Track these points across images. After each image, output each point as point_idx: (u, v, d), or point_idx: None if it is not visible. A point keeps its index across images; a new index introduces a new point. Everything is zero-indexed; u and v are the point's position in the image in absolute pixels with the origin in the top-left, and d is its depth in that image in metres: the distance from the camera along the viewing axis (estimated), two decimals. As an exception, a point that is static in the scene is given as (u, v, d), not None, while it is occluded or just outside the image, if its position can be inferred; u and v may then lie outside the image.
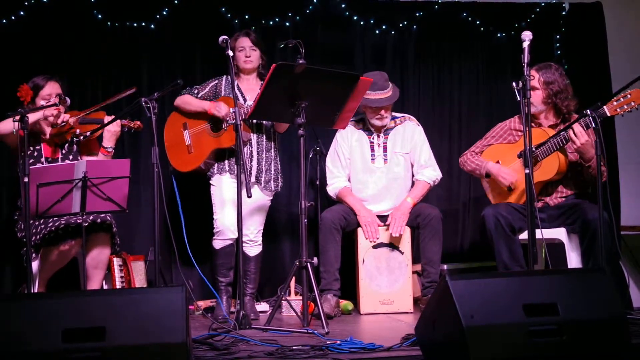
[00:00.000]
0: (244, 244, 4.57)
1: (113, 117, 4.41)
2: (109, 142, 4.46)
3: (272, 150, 4.75)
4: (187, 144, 4.72)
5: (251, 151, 4.67)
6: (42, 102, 4.40)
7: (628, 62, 5.71)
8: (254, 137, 4.68)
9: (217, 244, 4.68)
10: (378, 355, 3.19)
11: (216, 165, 4.69)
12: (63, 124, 4.37)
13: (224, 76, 4.75)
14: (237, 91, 4.61)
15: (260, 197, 4.69)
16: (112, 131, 4.43)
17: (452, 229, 5.66)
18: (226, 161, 4.67)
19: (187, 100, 4.70)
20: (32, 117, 4.16)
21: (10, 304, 2.79)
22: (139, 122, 4.53)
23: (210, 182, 4.73)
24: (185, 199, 4.81)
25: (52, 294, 3.62)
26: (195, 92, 4.72)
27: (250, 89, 4.70)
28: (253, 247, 4.74)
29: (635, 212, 5.74)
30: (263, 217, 4.79)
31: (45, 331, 2.69)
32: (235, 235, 4.57)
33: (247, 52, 4.67)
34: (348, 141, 4.93)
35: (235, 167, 4.52)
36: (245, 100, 4.65)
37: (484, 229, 4.49)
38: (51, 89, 4.45)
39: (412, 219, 4.81)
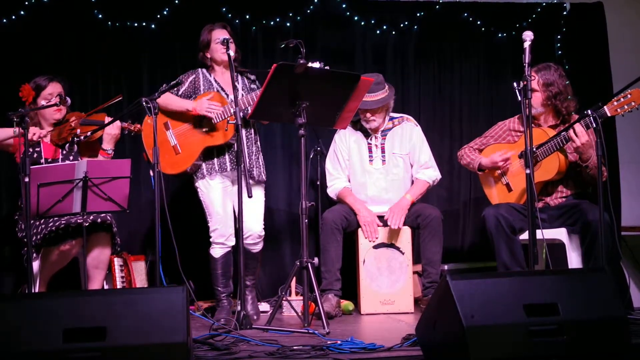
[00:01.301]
0: (249, 241, 4.56)
1: (112, 118, 4.41)
2: (108, 144, 4.46)
3: (258, 142, 4.69)
4: (172, 145, 4.55)
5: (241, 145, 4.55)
6: (44, 102, 4.41)
7: (629, 62, 5.71)
8: (243, 131, 4.48)
9: (217, 252, 4.57)
10: (379, 355, 3.19)
11: (204, 166, 4.54)
12: (39, 139, 4.36)
13: (199, 69, 4.63)
14: (216, 85, 4.56)
15: (257, 193, 4.59)
16: (111, 134, 4.42)
17: (452, 229, 5.66)
18: (215, 160, 4.54)
19: (168, 98, 4.48)
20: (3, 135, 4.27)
21: (11, 304, 2.79)
22: (139, 126, 4.51)
23: (198, 186, 4.58)
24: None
25: (52, 294, 3.63)
26: (175, 89, 4.52)
27: (227, 82, 4.49)
28: (258, 244, 4.65)
29: (636, 213, 5.74)
30: (262, 208, 4.69)
31: (46, 331, 2.69)
32: (233, 242, 4.55)
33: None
34: (346, 142, 4.93)
35: (227, 165, 4.50)
36: (227, 95, 4.54)
37: (484, 229, 4.50)
38: (53, 89, 4.46)
39: (413, 220, 4.81)
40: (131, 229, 5.22)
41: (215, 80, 4.60)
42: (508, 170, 4.61)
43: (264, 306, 4.97)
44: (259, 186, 4.66)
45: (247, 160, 4.55)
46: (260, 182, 4.67)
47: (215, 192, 4.55)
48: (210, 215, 4.57)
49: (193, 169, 4.58)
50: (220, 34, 4.52)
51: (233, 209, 4.59)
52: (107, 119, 4.41)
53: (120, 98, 4.47)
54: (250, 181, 4.48)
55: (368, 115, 4.79)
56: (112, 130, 4.41)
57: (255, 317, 4.50)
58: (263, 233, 4.67)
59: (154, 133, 3.93)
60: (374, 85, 4.68)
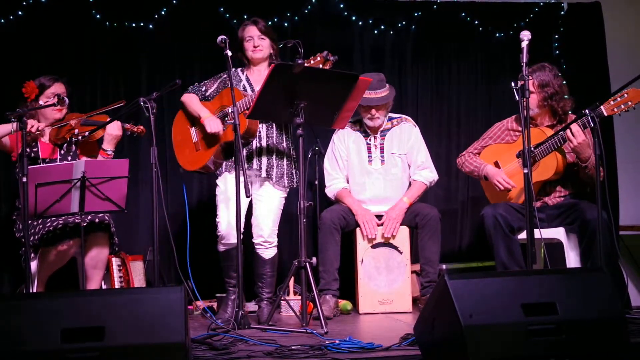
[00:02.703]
0: (259, 247, 4.52)
1: (111, 119, 4.40)
2: (108, 144, 4.44)
3: (285, 144, 4.54)
4: (194, 142, 4.52)
5: (260, 144, 4.47)
6: (44, 102, 4.41)
7: (626, 61, 5.72)
8: (262, 130, 4.47)
9: (221, 247, 4.52)
10: (377, 355, 3.19)
11: (224, 163, 4.49)
12: (38, 132, 4.35)
13: (233, 69, 4.50)
14: (245, 83, 4.51)
15: (272, 195, 4.50)
16: (112, 134, 4.40)
17: (450, 229, 5.66)
18: (234, 157, 4.42)
19: (190, 100, 4.49)
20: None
21: (10, 304, 2.79)
22: (142, 127, 4.49)
23: (217, 182, 4.54)
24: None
25: (51, 294, 3.63)
26: (203, 89, 4.52)
27: (260, 79, 4.33)
28: (268, 249, 4.53)
29: (634, 212, 5.75)
30: (277, 215, 4.55)
31: (44, 331, 2.69)
32: (235, 240, 4.49)
33: (255, 42, 4.44)
34: (345, 142, 4.93)
35: (245, 161, 4.45)
36: (253, 91, 4.46)
37: (482, 229, 4.50)
38: (56, 90, 4.46)
39: (411, 219, 4.81)
40: (129, 229, 5.21)
41: (247, 78, 4.53)
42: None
43: (263, 306, 4.97)
44: (278, 190, 4.52)
45: (266, 160, 4.48)
46: (281, 185, 4.52)
47: (229, 186, 4.44)
48: (218, 209, 4.52)
49: (216, 167, 4.51)
50: (251, 32, 4.48)
51: (249, 208, 4.52)
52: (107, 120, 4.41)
53: (122, 104, 4.45)
54: (268, 182, 4.49)
55: (373, 111, 4.79)
56: (114, 131, 4.39)
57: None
58: (273, 240, 4.53)
59: (153, 133, 3.90)
60: (377, 82, 4.72)
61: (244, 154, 4.42)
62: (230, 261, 4.47)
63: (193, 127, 4.54)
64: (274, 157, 4.51)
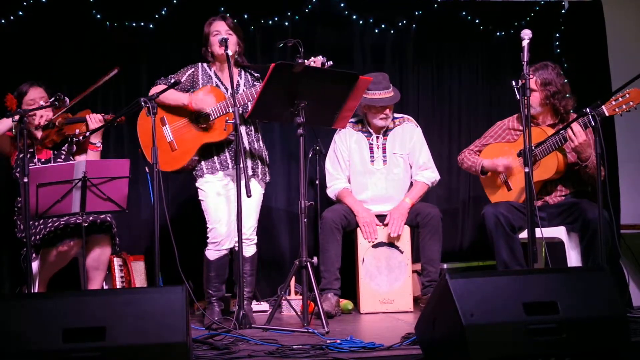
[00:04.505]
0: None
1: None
2: (94, 137, 4.46)
3: (260, 141, 4.55)
4: (168, 141, 4.43)
5: (243, 144, 4.41)
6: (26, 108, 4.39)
7: (627, 60, 5.71)
8: (243, 129, 4.43)
9: (212, 254, 4.43)
10: (378, 354, 3.19)
11: (204, 164, 4.43)
12: (47, 122, 4.37)
13: (199, 63, 4.52)
14: (216, 80, 4.48)
15: (257, 192, 4.47)
16: (95, 127, 4.40)
17: (451, 228, 5.66)
18: (215, 157, 4.43)
19: (166, 95, 4.29)
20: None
21: (11, 304, 2.79)
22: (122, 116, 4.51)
23: (198, 185, 4.46)
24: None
25: (52, 294, 3.62)
26: (172, 82, 4.38)
27: (228, 77, 4.32)
28: (249, 246, 4.49)
29: (635, 211, 5.74)
30: (258, 211, 4.55)
31: (46, 331, 2.69)
32: (231, 245, 4.44)
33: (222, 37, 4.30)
34: (347, 143, 4.93)
35: (229, 163, 4.41)
36: (226, 89, 4.43)
37: (483, 228, 4.50)
38: (34, 94, 4.45)
39: (412, 218, 4.81)
40: (130, 229, 5.21)
41: (216, 75, 4.50)
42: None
43: (263, 306, 4.97)
44: (260, 186, 4.52)
45: (251, 158, 4.46)
46: (264, 182, 4.54)
47: (215, 191, 4.42)
48: (208, 214, 4.46)
49: (190, 165, 4.45)
50: (218, 27, 4.43)
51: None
52: (90, 116, 4.40)
53: (115, 71, 4.41)
54: (254, 179, 4.45)
55: (387, 111, 4.82)
56: (95, 124, 4.39)
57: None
58: (254, 237, 4.51)
59: (152, 133, 3.90)
60: (386, 82, 4.78)
61: (228, 154, 4.43)
62: (219, 271, 4.44)
63: (166, 126, 4.44)
64: (256, 154, 4.49)
